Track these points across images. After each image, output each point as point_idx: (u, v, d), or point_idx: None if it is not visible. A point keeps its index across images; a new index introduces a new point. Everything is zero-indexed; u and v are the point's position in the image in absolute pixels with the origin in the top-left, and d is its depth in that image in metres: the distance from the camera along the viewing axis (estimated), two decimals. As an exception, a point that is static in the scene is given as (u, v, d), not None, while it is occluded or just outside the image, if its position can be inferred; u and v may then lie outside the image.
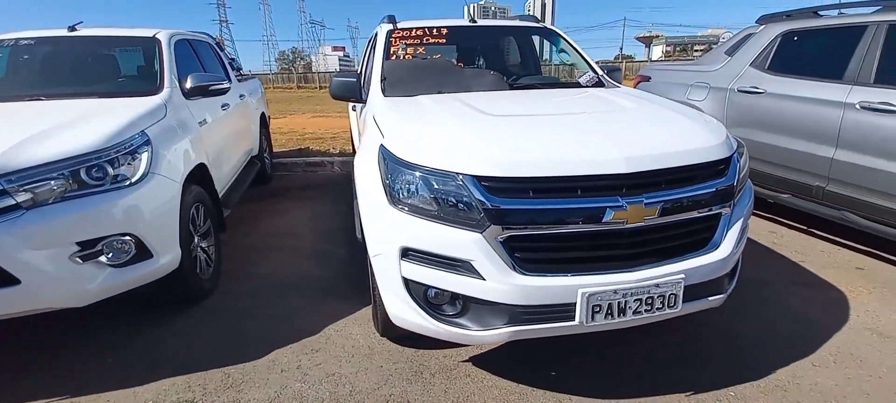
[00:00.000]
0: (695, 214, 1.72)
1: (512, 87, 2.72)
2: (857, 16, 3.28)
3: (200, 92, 3.24)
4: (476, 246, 1.60)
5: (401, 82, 2.68)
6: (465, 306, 1.72)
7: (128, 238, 2.16)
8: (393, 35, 3.08)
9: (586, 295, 1.59)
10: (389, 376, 2.10)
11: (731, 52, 4.15)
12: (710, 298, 1.81)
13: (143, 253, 2.23)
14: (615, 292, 1.61)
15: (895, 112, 2.82)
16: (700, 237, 1.77)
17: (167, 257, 2.36)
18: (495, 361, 2.17)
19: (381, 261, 1.85)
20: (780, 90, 3.53)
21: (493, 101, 2.29)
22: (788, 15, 3.81)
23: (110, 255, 2.13)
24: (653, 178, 1.65)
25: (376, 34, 3.29)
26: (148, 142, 2.39)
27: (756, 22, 4.10)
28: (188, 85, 3.18)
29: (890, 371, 2.08)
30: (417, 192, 1.70)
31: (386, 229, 1.78)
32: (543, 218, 1.59)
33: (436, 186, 1.66)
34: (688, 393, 1.95)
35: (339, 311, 2.65)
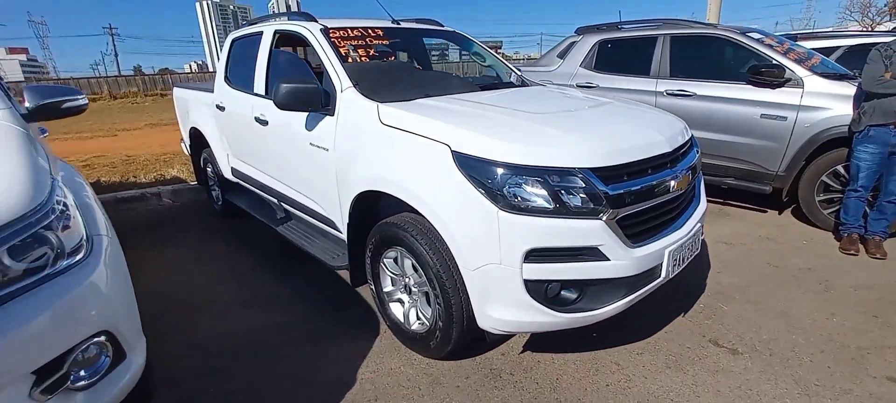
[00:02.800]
0: (693, 178, 2.28)
1: (482, 89, 2.83)
2: (649, 29, 4.61)
3: (47, 113, 2.19)
4: (602, 230, 1.74)
5: (376, 88, 2.44)
6: (582, 291, 1.83)
7: (103, 338, 1.41)
8: (331, 35, 2.73)
9: (670, 252, 1.94)
10: (477, 390, 2.02)
11: (562, 55, 5.19)
12: (702, 236, 2.41)
13: (119, 354, 1.48)
14: (681, 246, 2.01)
15: (687, 95, 4.15)
16: (694, 194, 2.35)
17: (140, 352, 1.61)
18: (543, 344, 2.32)
19: (488, 272, 1.78)
20: (609, 84, 4.66)
21: (511, 102, 2.38)
22: (599, 27, 5.03)
23: (84, 372, 1.36)
24: (677, 154, 2.11)
25: (299, 33, 2.84)
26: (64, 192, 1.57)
27: (575, 32, 5.23)
28: (30, 103, 2.12)
29: (745, 260, 3.16)
30: (537, 192, 1.72)
31: (501, 236, 1.72)
32: (640, 196, 1.85)
33: (554, 183, 1.72)
34: (682, 314, 2.55)
35: (349, 353, 2.30)
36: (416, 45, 3.38)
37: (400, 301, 2.35)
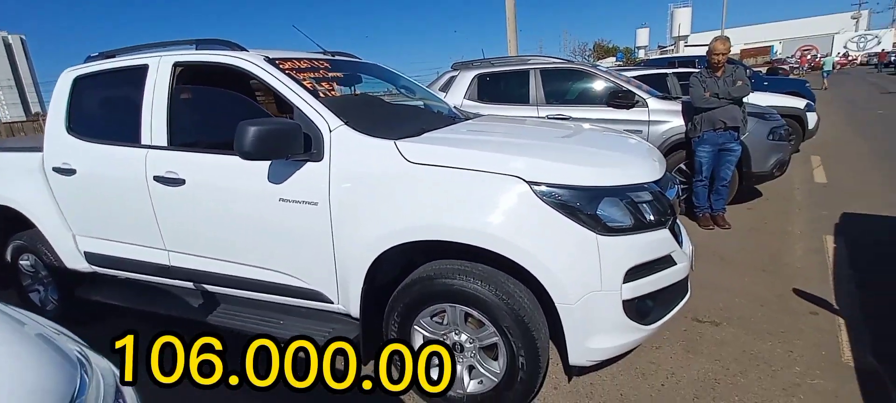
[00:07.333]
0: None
1: (454, 121, 2.67)
2: (519, 64, 5.16)
3: None
4: (670, 238, 1.86)
5: (370, 124, 2.06)
6: (655, 301, 1.90)
7: None
8: (283, 67, 2.21)
9: (691, 248, 2.19)
10: (567, 435, 1.87)
11: (444, 89, 5.36)
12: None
13: None
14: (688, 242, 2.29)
15: (565, 118, 4.78)
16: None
17: None
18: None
19: (589, 301, 1.70)
20: (496, 113, 5.01)
21: (520, 132, 2.35)
22: (472, 63, 5.39)
23: None
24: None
25: (229, 65, 2.21)
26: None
27: (451, 67, 5.49)
28: None
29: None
30: (625, 211, 1.73)
31: (602, 261, 1.67)
32: (672, 202, 2.04)
33: (636, 200, 1.76)
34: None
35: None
36: (356, 78, 3.03)
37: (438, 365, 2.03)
